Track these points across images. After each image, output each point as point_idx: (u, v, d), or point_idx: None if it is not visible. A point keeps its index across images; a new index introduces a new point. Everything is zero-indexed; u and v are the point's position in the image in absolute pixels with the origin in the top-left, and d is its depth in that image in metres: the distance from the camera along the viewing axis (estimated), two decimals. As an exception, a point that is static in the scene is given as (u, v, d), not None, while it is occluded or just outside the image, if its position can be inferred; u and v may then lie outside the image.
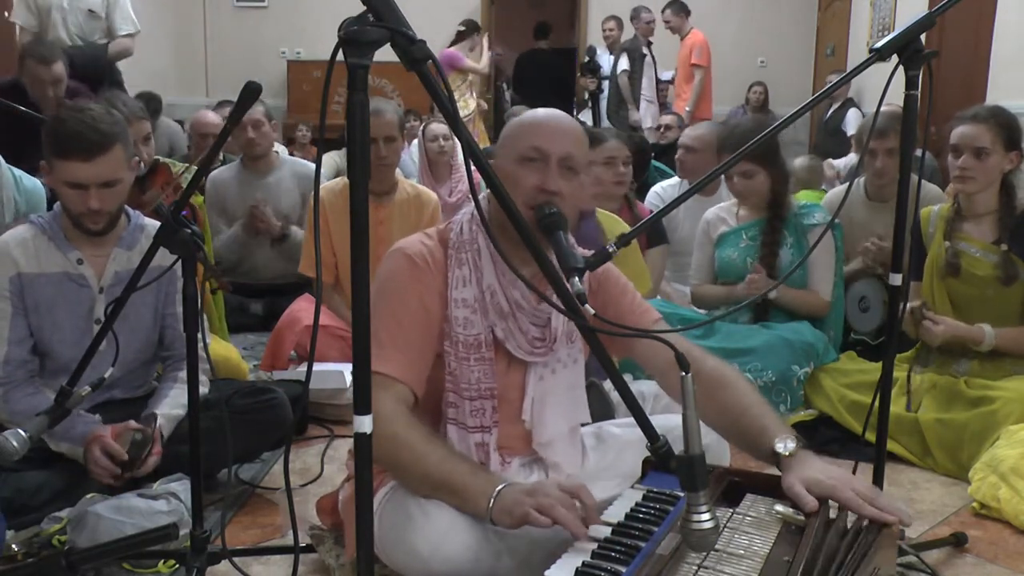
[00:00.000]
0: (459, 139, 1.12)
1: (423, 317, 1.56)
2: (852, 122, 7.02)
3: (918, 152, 1.71)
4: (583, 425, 1.84)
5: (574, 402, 1.69)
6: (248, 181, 3.96)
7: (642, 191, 4.21)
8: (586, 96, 7.64)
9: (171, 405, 2.07)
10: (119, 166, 1.98)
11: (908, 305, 2.50)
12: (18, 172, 2.87)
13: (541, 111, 1.64)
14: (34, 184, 2.88)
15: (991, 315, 2.57)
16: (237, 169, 4.01)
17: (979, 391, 2.47)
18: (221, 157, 4.44)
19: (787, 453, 1.39)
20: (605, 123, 7.22)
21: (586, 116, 7.52)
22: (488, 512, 1.38)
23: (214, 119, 4.64)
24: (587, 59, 7.63)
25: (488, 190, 1.64)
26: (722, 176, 3.64)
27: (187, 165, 3.22)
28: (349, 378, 1.69)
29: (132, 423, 1.98)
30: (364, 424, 1.03)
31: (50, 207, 2.67)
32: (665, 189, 3.95)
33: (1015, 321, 2.56)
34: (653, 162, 4.77)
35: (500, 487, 1.39)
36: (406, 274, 1.56)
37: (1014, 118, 2.57)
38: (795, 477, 1.34)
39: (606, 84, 7.57)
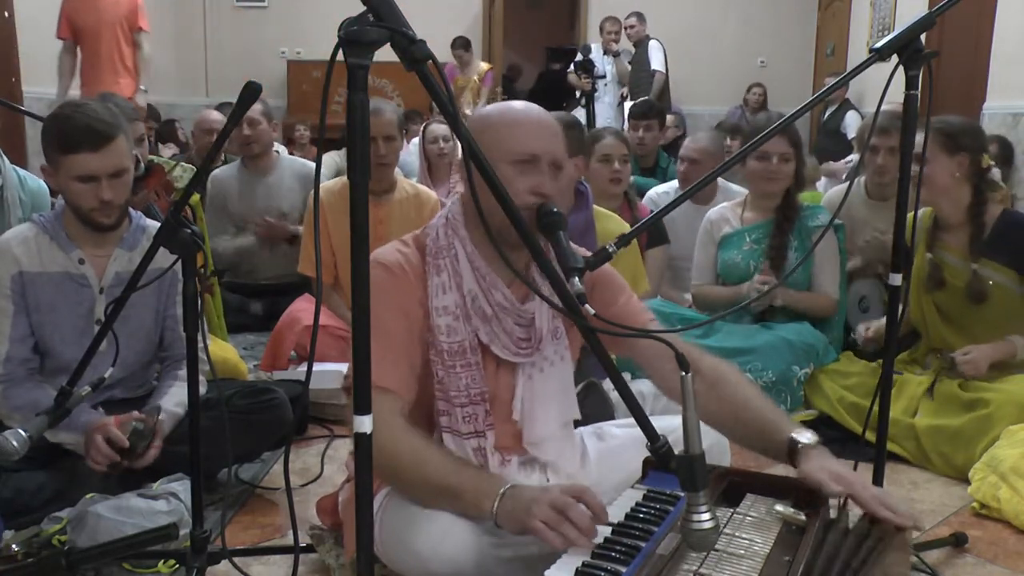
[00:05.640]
0: (459, 139, 1.12)
1: (405, 325, 1.54)
2: (852, 124, 7.02)
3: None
4: (583, 425, 1.83)
5: (564, 399, 1.68)
6: (249, 181, 3.96)
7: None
8: (579, 95, 7.56)
9: (173, 402, 2.07)
10: (125, 156, 1.99)
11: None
12: (22, 172, 2.87)
13: (521, 109, 1.60)
14: (38, 184, 2.88)
15: (983, 322, 2.56)
16: (238, 169, 4.01)
17: (974, 393, 2.47)
18: (223, 157, 4.45)
19: (810, 443, 1.40)
20: (600, 123, 7.20)
21: (580, 115, 7.47)
22: (492, 515, 1.37)
23: (216, 115, 4.64)
24: (581, 57, 7.56)
25: (461, 189, 1.64)
26: (718, 182, 3.63)
27: (176, 163, 3.22)
28: (349, 378, 1.68)
29: (136, 413, 1.98)
30: (364, 424, 1.03)
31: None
32: (659, 195, 3.82)
33: (1004, 327, 2.55)
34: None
35: (503, 489, 1.38)
36: (383, 284, 1.53)
37: (958, 124, 2.52)
38: (816, 465, 1.34)
39: (600, 84, 7.55)
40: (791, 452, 1.42)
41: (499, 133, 1.55)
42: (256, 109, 3.84)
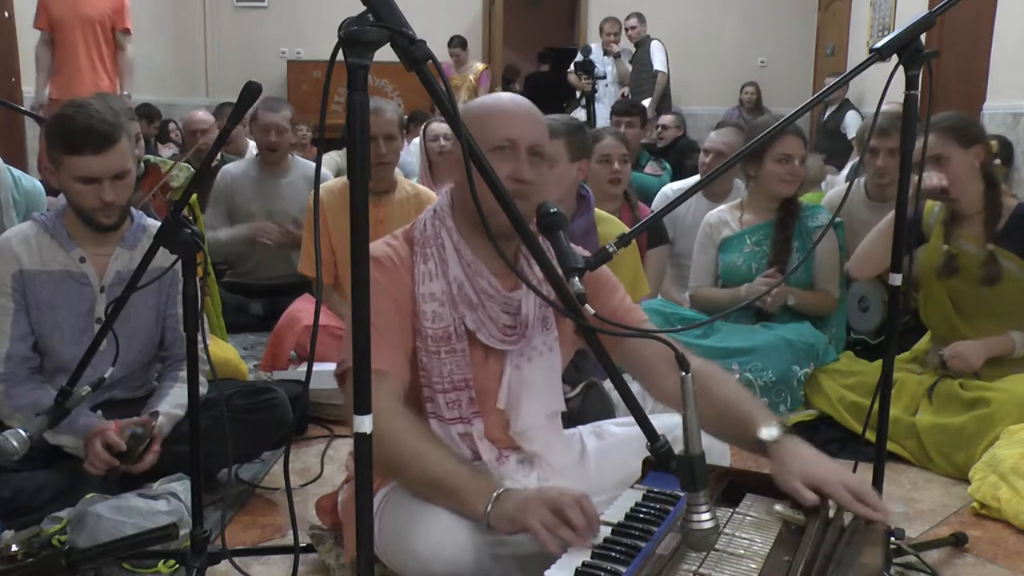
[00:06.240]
0: (458, 138, 1.12)
1: (396, 314, 1.57)
2: (851, 124, 7.02)
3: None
4: (583, 423, 1.83)
5: (550, 390, 1.68)
6: (263, 181, 3.95)
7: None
8: (579, 95, 7.56)
9: (171, 404, 2.07)
10: (127, 157, 1.99)
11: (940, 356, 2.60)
12: (17, 172, 2.87)
13: (499, 98, 1.64)
14: (33, 184, 2.88)
15: (990, 312, 2.57)
16: (252, 167, 4.00)
17: (975, 392, 2.47)
18: (220, 157, 4.44)
19: (770, 439, 1.40)
20: (600, 124, 7.20)
21: (580, 116, 7.44)
22: (486, 516, 1.37)
23: (203, 115, 4.65)
24: (581, 58, 7.55)
25: (451, 184, 1.65)
26: (735, 180, 3.64)
27: (174, 163, 3.22)
28: (349, 378, 1.68)
29: (135, 419, 1.99)
30: (364, 424, 1.03)
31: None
32: (675, 193, 3.75)
33: (1012, 318, 2.56)
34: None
35: (498, 491, 1.39)
36: (375, 276, 1.54)
37: (960, 118, 2.57)
38: (788, 471, 1.34)
39: (600, 84, 7.55)
40: (765, 450, 1.43)
41: (477, 123, 1.56)
42: (285, 116, 3.86)
